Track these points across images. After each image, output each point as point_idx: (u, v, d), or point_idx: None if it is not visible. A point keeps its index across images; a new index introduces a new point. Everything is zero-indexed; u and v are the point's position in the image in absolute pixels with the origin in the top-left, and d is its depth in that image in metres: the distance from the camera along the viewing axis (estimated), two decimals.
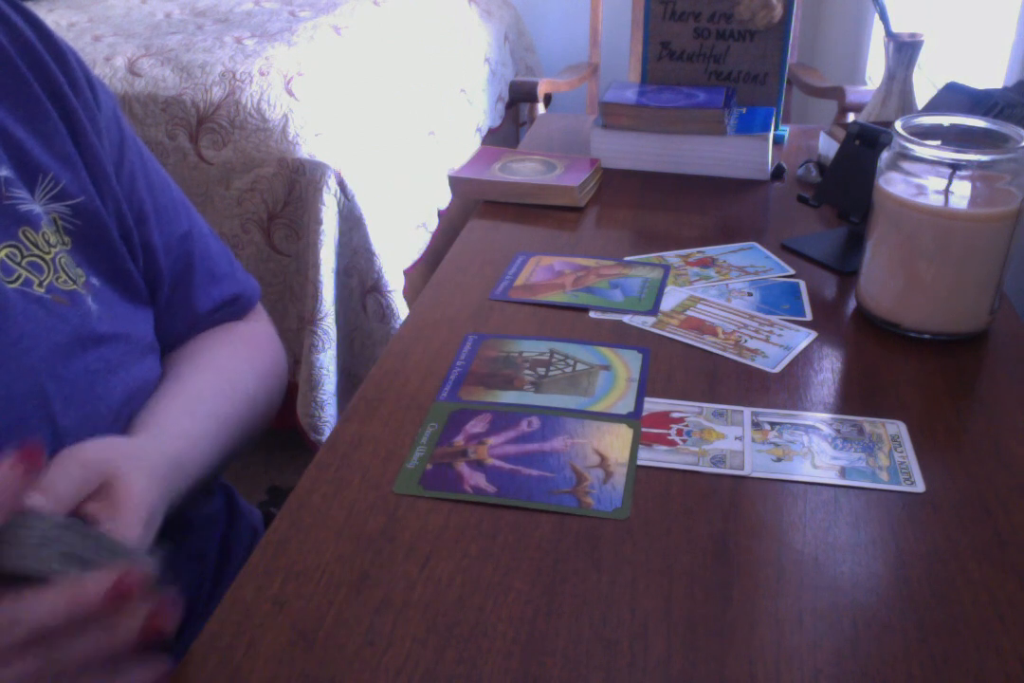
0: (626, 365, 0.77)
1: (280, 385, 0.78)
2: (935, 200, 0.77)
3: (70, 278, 0.59)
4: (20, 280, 0.55)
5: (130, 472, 0.52)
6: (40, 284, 0.56)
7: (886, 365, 0.78)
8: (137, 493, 0.51)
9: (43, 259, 0.57)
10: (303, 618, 0.53)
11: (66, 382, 0.56)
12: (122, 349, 0.61)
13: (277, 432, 1.79)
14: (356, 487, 0.64)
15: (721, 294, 0.89)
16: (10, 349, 0.53)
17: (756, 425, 0.70)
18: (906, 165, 0.79)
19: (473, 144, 2.18)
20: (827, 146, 1.14)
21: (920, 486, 0.64)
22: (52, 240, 0.58)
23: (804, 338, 0.82)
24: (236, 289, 0.76)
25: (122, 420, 0.61)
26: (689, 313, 0.86)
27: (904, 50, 1.08)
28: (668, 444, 0.68)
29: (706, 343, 0.81)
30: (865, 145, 0.94)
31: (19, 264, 0.56)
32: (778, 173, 1.18)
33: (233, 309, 0.76)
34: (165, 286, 0.69)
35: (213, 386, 0.68)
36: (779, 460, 0.66)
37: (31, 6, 0.64)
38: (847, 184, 0.96)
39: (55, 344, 0.56)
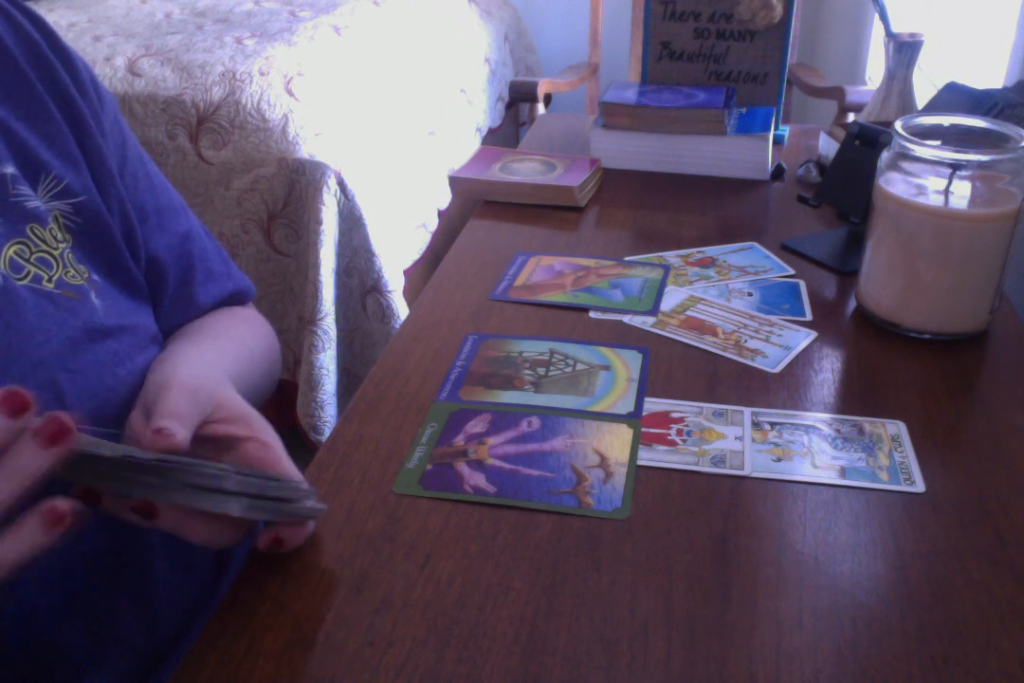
0: (626, 365, 0.77)
1: (276, 357, 0.79)
2: (935, 200, 0.77)
3: (77, 273, 0.59)
4: (29, 276, 0.56)
5: (230, 392, 0.58)
6: (49, 280, 0.57)
7: (886, 365, 0.78)
8: (250, 410, 0.58)
9: (51, 255, 0.58)
10: (303, 618, 0.53)
11: (78, 374, 0.57)
12: (128, 341, 0.61)
13: (277, 432, 1.79)
14: (356, 487, 0.64)
15: (721, 294, 0.89)
16: (23, 344, 0.54)
17: (756, 425, 0.70)
18: (906, 165, 0.79)
19: (473, 144, 2.18)
20: (827, 146, 1.14)
21: (920, 486, 0.64)
22: (59, 236, 0.59)
23: (804, 338, 0.82)
24: (234, 286, 0.77)
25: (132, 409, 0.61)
26: (689, 313, 0.86)
27: (904, 50, 1.08)
28: (668, 444, 0.68)
29: (706, 343, 0.81)
30: (865, 145, 0.94)
31: (28, 260, 0.56)
32: (778, 173, 1.18)
33: (231, 305, 0.78)
34: (169, 285, 0.70)
35: (215, 334, 0.71)
36: (779, 460, 0.66)
37: (32, 6, 0.64)
38: (847, 184, 0.96)
39: (66, 338, 0.56)
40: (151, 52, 1.69)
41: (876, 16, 1.18)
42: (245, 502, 0.50)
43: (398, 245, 1.75)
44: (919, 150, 0.77)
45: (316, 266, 1.55)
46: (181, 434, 0.51)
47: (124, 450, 0.49)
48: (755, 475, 0.65)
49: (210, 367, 0.62)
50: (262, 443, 0.56)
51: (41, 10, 2.02)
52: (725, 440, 0.68)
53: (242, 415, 0.57)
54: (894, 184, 0.80)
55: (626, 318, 0.85)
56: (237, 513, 0.49)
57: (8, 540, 0.43)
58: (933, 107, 0.97)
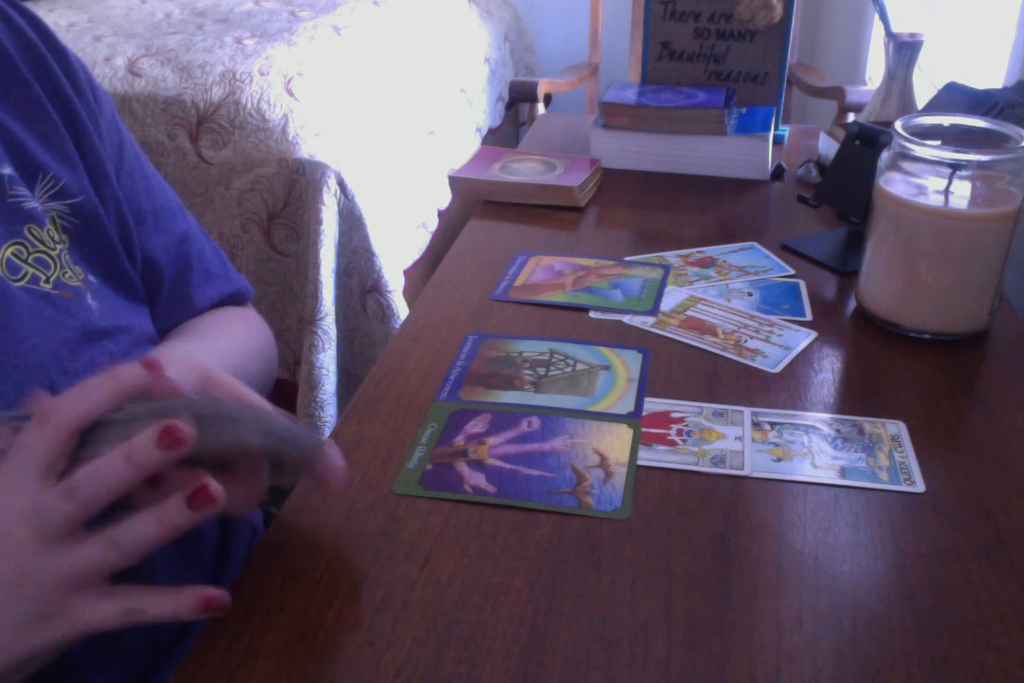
0: (626, 365, 0.77)
1: (272, 356, 0.80)
2: (935, 200, 0.77)
3: (74, 274, 0.59)
4: (27, 278, 0.56)
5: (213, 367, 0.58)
6: (47, 280, 0.57)
7: (886, 365, 0.78)
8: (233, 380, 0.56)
9: (49, 255, 0.58)
10: (303, 618, 0.53)
11: (75, 375, 0.57)
12: (125, 341, 0.62)
13: None
14: (356, 487, 0.64)
15: (721, 294, 0.89)
16: (19, 346, 0.54)
17: (756, 425, 0.70)
18: (906, 165, 0.79)
19: (473, 144, 2.18)
20: (827, 146, 1.14)
21: (920, 486, 0.64)
22: (57, 237, 0.59)
23: (804, 338, 0.82)
24: (231, 288, 0.77)
25: None
26: (689, 313, 0.86)
27: (904, 50, 1.08)
28: (668, 444, 0.68)
29: (706, 343, 0.81)
30: (865, 145, 0.94)
31: (25, 261, 0.56)
32: (778, 173, 1.18)
33: (229, 306, 0.78)
34: (166, 286, 0.70)
35: (211, 333, 0.71)
36: (779, 460, 0.66)
37: (32, 7, 0.64)
38: (847, 184, 0.96)
39: (63, 339, 0.57)
40: (151, 52, 1.69)
41: (876, 16, 1.18)
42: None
43: (398, 245, 1.75)
44: (919, 150, 0.77)
45: (316, 266, 1.55)
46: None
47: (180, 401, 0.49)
48: (755, 475, 0.65)
49: (195, 358, 0.62)
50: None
51: (41, 10, 2.02)
52: (725, 440, 0.68)
53: (234, 385, 0.56)
54: (894, 184, 0.80)
55: (626, 318, 0.85)
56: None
57: (145, 517, 0.44)
58: (933, 107, 0.97)
